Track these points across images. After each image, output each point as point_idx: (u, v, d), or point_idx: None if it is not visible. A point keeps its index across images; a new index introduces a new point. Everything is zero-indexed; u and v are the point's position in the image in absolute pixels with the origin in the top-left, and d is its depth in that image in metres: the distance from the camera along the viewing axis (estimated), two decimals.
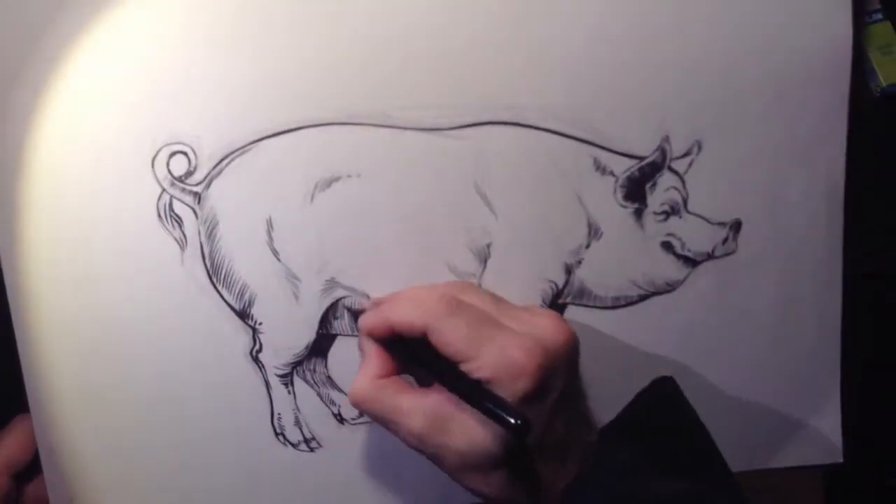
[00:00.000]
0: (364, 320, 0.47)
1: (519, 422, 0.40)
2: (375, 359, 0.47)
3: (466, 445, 0.43)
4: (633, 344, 0.53)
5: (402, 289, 0.50)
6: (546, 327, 0.45)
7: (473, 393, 0.42)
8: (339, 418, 0.53)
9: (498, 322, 0.45)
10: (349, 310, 0.51)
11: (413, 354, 0.46)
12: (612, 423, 0.47)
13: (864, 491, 0.61)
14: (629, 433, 0.46)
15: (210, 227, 0.50)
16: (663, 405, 0.47)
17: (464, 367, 0.43)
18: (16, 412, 0.52)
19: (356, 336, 0.52)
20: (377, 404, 0.45)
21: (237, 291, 0.51)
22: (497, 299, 0.48)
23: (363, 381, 0.46)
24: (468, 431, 0.43)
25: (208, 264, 0.50)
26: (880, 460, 0.60)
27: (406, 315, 0.45)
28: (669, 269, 0.52)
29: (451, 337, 0.43)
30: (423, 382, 0.48)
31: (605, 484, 0.44)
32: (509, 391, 0.42)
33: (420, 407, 0.44)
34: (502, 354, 0.42)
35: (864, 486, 0.60)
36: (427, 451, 0.44)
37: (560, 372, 0.44)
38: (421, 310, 0.44)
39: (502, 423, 0.41)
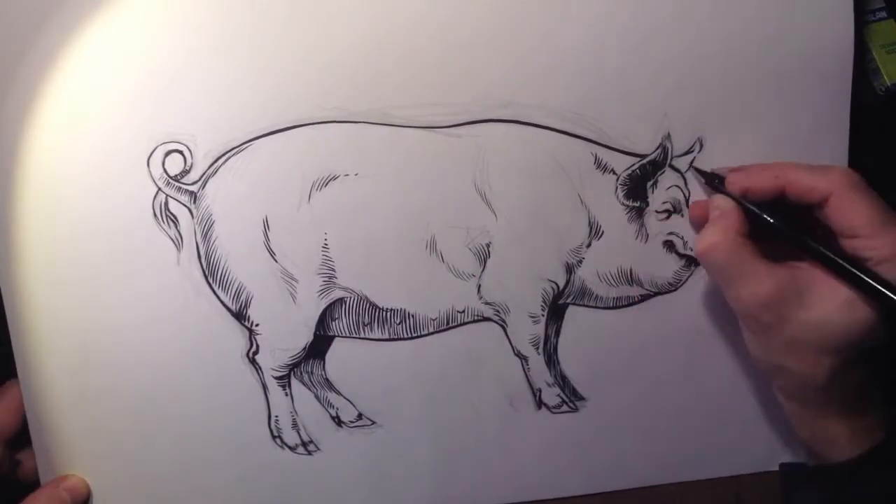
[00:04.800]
0: (742, 179, 0.47)
1: None
2: (737, 216, 0.46)
3: (824, 318, 0.43)
4: (635, 344, 0.52)
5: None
6: None
7: (861, 270, 0.43)
8: (338, 421, 0.52)
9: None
10: (697, 169, 0.50)
11: (783, 220, 0.46)
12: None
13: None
14: None
15: (206, 227, 0.49)
16: None
17: (854, 243, 0.44)
18: None
19: (354, 338, 0.51)
20: (732, 259, 0.45)
21: (233, 292, 0.50)
22: None
23: (723, 234, 0.46)
24: (828, 305, 0.43)
25: (204, 265, 0.50)
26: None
27: (808, 179, 0.45)
28: (671, 268, 0.52)
29: (856, 209, 0.44)
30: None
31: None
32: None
33: (774, 272, 0.44)
34: None
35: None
36: (765, 318, 0.45)
37: None
38: (826, 178, 0.45)
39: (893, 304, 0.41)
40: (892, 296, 0.42)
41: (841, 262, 0.44)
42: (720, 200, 0.48)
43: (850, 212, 0.44)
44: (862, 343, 0.44)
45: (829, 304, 0.44)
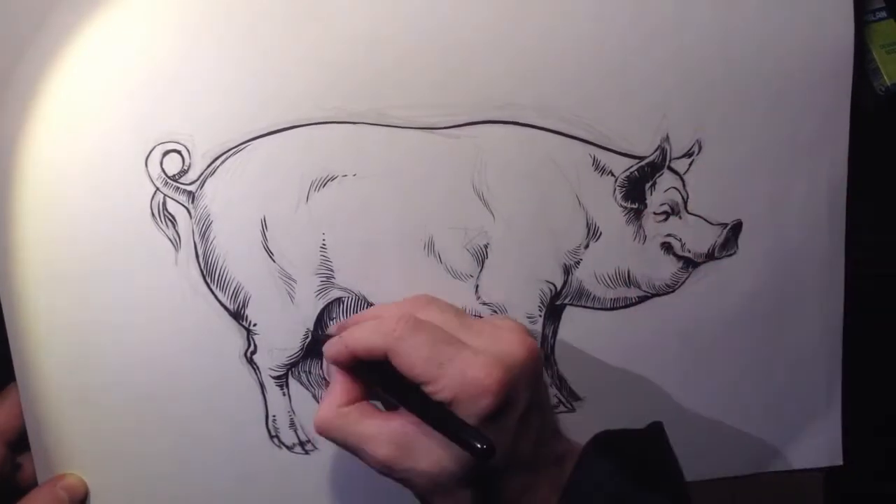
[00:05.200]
0: (328, 348, 0.46)
1: (483, 446, 0.39)
2: (339, 386, 0.46)
3: (432, 468, 0.42)
4: (632, 345, 0.53)
5: (373, 308, 0.49)
6: (508, 342, 0.44)
7: (437, 416, 0.41)
8: None
9: (457, 340, 0.43)
10: (316, 340, 0.50)
11: (378, 378, 0.45)
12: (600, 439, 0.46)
13: (863, 494, 0.60)
14: (613, 455, 0.45)
15: (204, 227, 0.50)
16: (651, 448, 0.47)
17: (426, 389, 0.42)
18: None
19: None
20: (341, 432, 0.44)
21: (231, 292, 0.50)
22: (458, 313, 0.47)
23: (326, 410, 0.45)
24: (433, 455, 0.42)
25: (202, 264, 0.50)
26: (881, 463, 0.60)
27: (366, 340, 0.44)
28: (669, 269, 0.52)
29: (411, 359, 0.42)
30: (391, 406, 0.47)
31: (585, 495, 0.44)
32: (472, 411, 0.41)
33: (385, 433, 0.43)
34: (463, 375, 0.41)
35: (863, 489, 0.60)
36: (395, 475, 0.44)
37: (522, 387, 0.43)
38: (381, 332, 0.43)
39: (466, 447, 0.40)
40: (463, 436, 0.40)
41: (415, 411, 0.42)
42: (328, 368, 0.47)
43: (405, 363, 0.42)
44: (473, 476, 0.43)
45: (431, 454, 0.42)
